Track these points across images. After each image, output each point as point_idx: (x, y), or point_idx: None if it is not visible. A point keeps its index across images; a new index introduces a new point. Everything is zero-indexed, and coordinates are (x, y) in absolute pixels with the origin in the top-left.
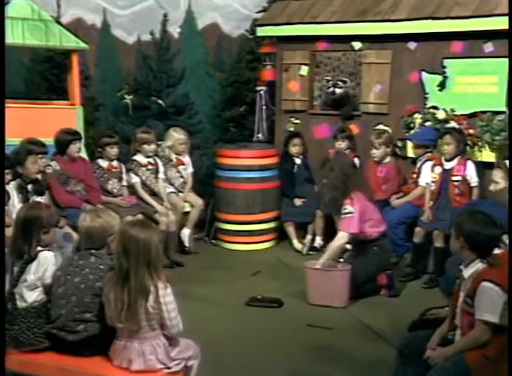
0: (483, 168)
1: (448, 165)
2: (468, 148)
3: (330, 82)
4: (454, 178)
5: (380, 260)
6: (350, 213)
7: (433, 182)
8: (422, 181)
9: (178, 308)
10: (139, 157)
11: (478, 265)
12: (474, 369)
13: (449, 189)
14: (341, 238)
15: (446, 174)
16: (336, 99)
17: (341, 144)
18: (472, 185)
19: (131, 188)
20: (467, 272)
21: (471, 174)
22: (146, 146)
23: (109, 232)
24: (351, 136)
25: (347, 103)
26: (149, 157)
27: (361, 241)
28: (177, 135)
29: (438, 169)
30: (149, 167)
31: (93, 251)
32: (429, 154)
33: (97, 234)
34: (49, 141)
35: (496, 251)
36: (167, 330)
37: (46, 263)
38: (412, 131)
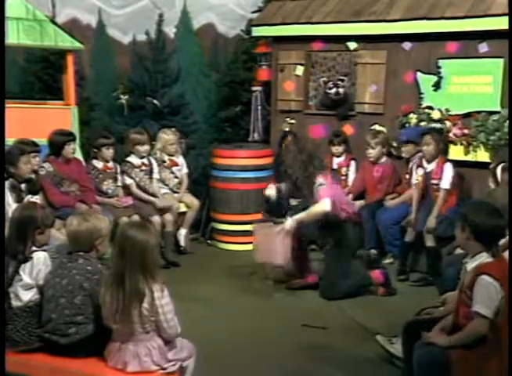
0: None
1: (428, 167)
2: (463, 148)
3: (330, 83)
4: (433, 181)
5: (354, 241)
6: (322, 184)
7: (417, 184)
8: (414, 181)
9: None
10: (133, 158)
11: (483, 258)
12: (457, 362)
13: (431, 192)
14: (323, 204)
15: (428, 176)
16: (338, 100)
17: (338, 149)
18: (441, 187)
19: (127, 189)
20: (471, 265)
21: (445, 177)
22: (138, 147)
23: (97, 235)
24: (346, 139)
25: (346, 102)
26: (142, 157)
27: (332, 224)
28: (166, 137)
29: (420, 171)
30: (143, 168)
31: (81, 254)
32: (420, 154)
33: (84, 238)
34: (44, 141)
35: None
36: (165, 332)
37: (39, 264)
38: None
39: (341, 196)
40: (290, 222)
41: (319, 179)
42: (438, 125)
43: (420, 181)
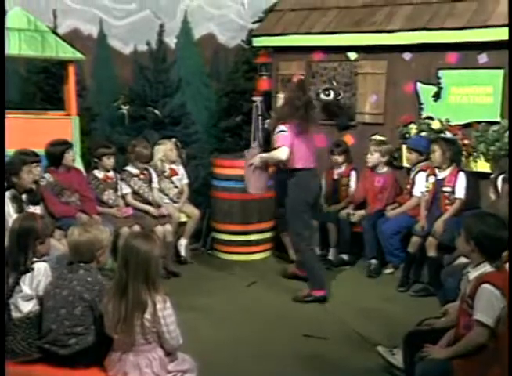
0: (475, 179)
1: (440, 175)
2: (463, 158)
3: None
4: (445, 188)
5: (303, 188)
6: (283, 131)
7: (426, 191)
8: (416, 191)
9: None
10: (131, 168)
11: (485, 268)
12: (458, 370)
13: (441, 200)
14: (281, 151)
15: (439, 184)
16: (325, 105)
17: (338, 159)
18: (456, 196)
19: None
20: (473, 274)
21: (459, 186)
22: (140, 164)
23: (98, 246)
24: (346, 150)
25: (338, 108)
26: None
27: (284, 171)
28: (163, 146)
29: (432, 178)
30: (141, 177)
31: (82, 264)
32: (422, 164)
33: (85, 248)
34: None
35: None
36: (167, 343)
37: (40, 275)
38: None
39: (300, 148)
40: (257, 158)
41: (280, 126)
42: (449, 135)
43: (430, 188)
